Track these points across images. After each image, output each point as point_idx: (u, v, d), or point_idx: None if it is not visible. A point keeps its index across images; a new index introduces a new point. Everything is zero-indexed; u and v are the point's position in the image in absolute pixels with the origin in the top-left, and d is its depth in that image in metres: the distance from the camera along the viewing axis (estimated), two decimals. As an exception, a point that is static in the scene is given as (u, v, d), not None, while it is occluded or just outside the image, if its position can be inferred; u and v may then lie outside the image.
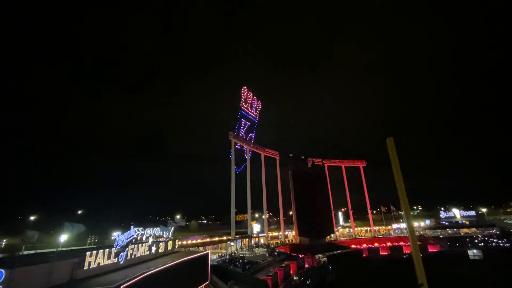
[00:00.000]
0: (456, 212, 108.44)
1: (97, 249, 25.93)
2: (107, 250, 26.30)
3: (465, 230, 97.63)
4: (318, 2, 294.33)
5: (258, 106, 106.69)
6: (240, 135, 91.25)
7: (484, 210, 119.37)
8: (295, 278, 50.98)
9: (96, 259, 24.89)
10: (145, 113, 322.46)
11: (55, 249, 28.36)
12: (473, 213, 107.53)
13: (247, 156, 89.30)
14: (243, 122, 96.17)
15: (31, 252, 38.34)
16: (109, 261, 26.31)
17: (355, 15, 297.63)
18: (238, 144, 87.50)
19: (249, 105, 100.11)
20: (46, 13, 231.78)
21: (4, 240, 58.62)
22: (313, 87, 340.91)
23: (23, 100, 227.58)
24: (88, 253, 24.44)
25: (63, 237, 33.67)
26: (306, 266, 62.55)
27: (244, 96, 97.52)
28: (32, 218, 71.09)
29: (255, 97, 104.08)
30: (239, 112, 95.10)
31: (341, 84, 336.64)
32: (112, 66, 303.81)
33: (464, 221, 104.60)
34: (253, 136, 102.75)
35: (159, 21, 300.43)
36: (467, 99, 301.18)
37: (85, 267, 23.83)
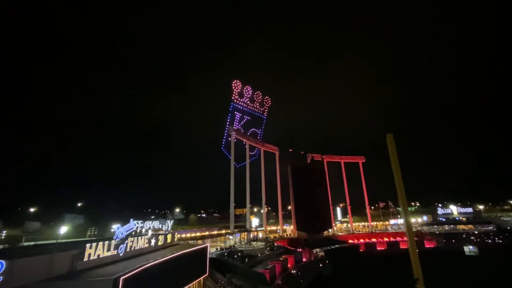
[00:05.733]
0: (453, 209, 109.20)
1: (97, 241, 26.07)
2: (106, 242, 26.45)
3: (462, 226, 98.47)
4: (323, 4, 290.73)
5: (267, 102, 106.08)
6: (235, 128, 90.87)
7: (481, 207, 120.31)
8: (292, 271, 51.59)
9: (96, 251, 25.06)
10: (147, 108, 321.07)
11: (55, 241, 28.62)
12: (470, 210, 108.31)
13: (247, 151, 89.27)
14: (237, 116, 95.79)
15: (31, 243, 38.58)
16: (109, 253, 26.51)
17: (356, 17, 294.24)
18: (235, 137, 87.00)
19: (248, 99, 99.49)
20: (49, 12, 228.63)
21: (5, 231, 58.98)
22: (313, 84, 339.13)
23: (24, 93, 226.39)
24: (88, 245, 24.57)
25: (63, 229, 33.90)
26: (304, 260, 63.23)
27: (237, 89, 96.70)
28: (32, 210, 71.52)
29: (259, 92, 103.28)
30: (230, 105, 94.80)
31: (342, 81, 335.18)
32: (113, 63, 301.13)
33: (461, 218, 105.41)
34: (258, 131, 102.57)
35: (165, 19, 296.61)
36: (466, 98, 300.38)
37: (85, 259, 24.00)
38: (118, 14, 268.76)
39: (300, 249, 69.10)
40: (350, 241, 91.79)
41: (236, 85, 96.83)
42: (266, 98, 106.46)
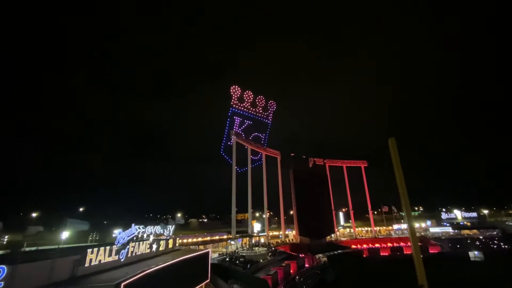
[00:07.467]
0: (458, 213, 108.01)
1: (98, 246, 26.02)
2: (108, 248, 26.40)
3: (466, 231, 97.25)
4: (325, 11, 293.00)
5: (272, 107, 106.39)
6: (235, 132, 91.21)
7: (485, 211, 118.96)
8: (295, 277, 51.03)
9: (97, 257, 24.99)
10: (147, 112, 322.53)
11: (56, 246, 28.59)
12: (474, 214, 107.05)
13: (249, 155, 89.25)
14: (237, 120, 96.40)
15: (33, 248, 38.60)
16: (110, 259, 26.42)
17: (361, 21, 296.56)
18: (235, 142, 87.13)
19: (249, 104, 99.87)
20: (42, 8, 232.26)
21: (6, 237, 59.10)
22: (316, 90, 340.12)
23: (24, 97, 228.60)
24: (89, 250, 24.52)
25: (65, 234, 33.88)
26: (306, 265, 62.59)
27: (236, 95, 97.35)
28: (34, 214, 71.78)
29: (261, 96, 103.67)
30: (229, 110, 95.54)
31: (343, 85, 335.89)
32: (113, 65, 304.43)
33: (465, 222, 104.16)
34: (261, 136, 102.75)
35: (165, 19, 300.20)
36: (470, 100, 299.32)
37: (86, 264, 23.93)
38: (117, 16, 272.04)
39: (303, 255, 68.39)
40: (353, 246, 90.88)
41: (235, 90, 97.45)
42: (271, 103, 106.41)
